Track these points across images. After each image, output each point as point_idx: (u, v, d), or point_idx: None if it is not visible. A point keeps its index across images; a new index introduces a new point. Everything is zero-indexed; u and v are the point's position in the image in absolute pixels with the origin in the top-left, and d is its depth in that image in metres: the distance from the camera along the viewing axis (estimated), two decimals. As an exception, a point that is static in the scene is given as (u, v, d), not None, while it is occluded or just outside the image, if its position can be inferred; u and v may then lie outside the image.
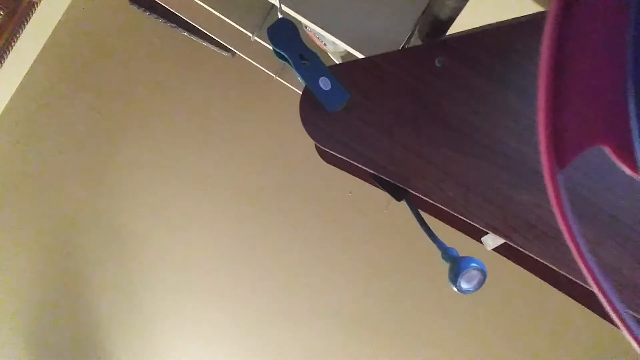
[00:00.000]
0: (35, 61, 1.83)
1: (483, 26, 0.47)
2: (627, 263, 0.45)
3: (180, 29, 1.63)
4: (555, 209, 0.18)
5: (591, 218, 0.45)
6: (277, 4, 0.56)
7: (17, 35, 1.76)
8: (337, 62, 0.98)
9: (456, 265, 0.48)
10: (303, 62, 0.44)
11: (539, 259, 0.46)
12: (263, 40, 1.13)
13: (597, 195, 0.45)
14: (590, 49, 0.17)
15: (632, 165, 0.16)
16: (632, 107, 0.15)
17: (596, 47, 0.17)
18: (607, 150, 0.17)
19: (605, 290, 0.18)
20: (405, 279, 1.74)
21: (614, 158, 0.17)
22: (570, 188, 0.44)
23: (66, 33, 1.83)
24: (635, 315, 0.45)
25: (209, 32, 1.33)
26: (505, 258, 0.60)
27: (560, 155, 0.18)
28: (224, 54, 1.68)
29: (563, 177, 0.18)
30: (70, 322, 1.88)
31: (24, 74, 1.83)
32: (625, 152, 0.16)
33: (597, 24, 0.17)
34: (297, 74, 0.44)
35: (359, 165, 0.47)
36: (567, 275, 0.46)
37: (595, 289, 0.18)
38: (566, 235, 0.19)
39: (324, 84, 0.44)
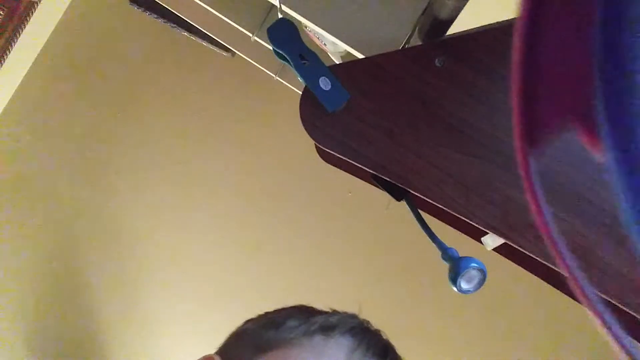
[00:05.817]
0: (35, 61, 1.83)
1: (483, 26, 0.47)
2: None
3: (180, 29, 1.63)
4: (527, 192, 0.19)
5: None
6: (277, 4, 0.56)
7: (17, 35, 1.76)
8: (337, 62, 0.98)
9: (456, 265, 0.48)
10: (303, 62, 0.44)
11: (539, 259, 0.46)
12: (263, 40, 1.13)
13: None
14: (562, 30, 0.18)
15: (598, 148, 0.16)
16: (598, 89, 0.15)
17: (568, 27, 0.17)
18: (579, 134, 0.18)
19: (575, 274, 0.18)
20: (405, 278, 1.74)
21: (585, 142, 0.17)
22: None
23: (66, 33, 1.83)
24: (631, 312, 0.45)
25: (209, 32, 1.33)
26: (505, 258, 0.60)
27: (534, 135, 0.19)
28: (224, 54, 1.68)
29: (536, 156, 0.19)
30: (69, 322, 1.88)
31: (24, 74, 1.83)
32: (593, 137, 0.17)
33: (569, 5, 0.17)
34: (297, 74, 0.44)
35: (359, 165, 0.47)
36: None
37: (564, 271, 0.19)
38: (536, 217, 0.19)
39: (324, 84, 0.44)
